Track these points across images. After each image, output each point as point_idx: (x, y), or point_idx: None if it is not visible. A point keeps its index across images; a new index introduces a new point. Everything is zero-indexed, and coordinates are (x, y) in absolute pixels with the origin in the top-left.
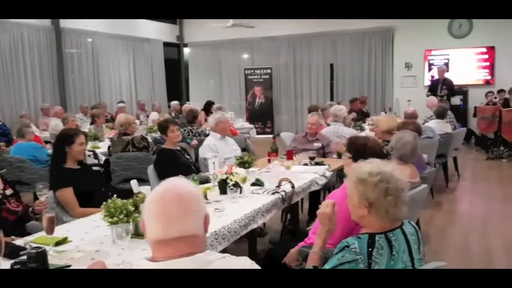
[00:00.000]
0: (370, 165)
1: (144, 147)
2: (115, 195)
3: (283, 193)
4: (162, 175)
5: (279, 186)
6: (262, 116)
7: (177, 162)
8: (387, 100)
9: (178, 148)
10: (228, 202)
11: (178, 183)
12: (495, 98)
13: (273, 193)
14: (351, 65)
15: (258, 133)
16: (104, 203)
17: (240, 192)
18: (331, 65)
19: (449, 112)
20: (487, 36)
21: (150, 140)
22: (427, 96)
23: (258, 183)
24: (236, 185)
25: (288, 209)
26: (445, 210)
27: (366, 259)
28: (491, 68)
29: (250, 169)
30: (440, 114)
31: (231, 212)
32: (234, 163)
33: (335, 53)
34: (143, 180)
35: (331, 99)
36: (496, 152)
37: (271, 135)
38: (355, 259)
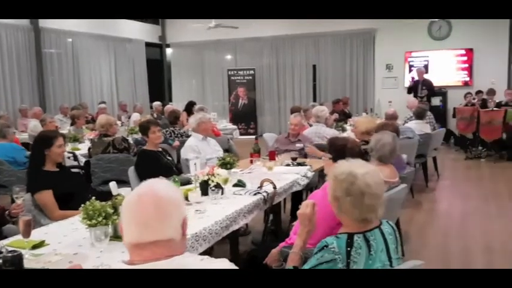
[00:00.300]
0: (348, 164)
1: (125, 149)
2: (94, 197)
3: (265, 194)
4: (142, 177)
5: (260, 187)
6: (245, 117)
7: (158, 164)
8: (369, 101)
9: (160, 149)
10: (210, 203)
11: (156, 185)
12: (473, 99)
13: (255, 194)
14: (333, 66)
15: (241, 134)
16: (83, 205)
17: (222, 194)
18: (314, 66)
19: (429, 113)
20: (465, 39)
21: (131, 141)
22: (408, 93)
23: (240, 184)
24: (218, 186)
25: (270, 210)
26: (424, 209)
27: (345, 258)
28: (470, 70)
29: (232, 170)
30: (419, 115)
31: (212, 213)
32: (215, 164)
33: (317, 54)
34: (124, 182)
35: (314, 100)
36: (474, 152)
37: (254, 136)
38: (333, 259)
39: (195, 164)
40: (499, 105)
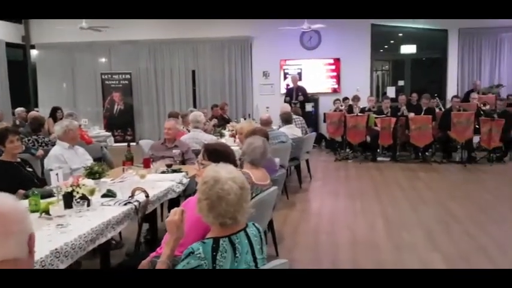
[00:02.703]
0: (216, 169)
1: None
2: None
3: (136, 203)
4: None
5: (132, 196)
6: (122, 123)
7: (15, 176)
8: (248, 107)
9: (19, 160)
10: (74, 216)
11: None
12: (341, 105)
13: (125, 204)
14: (212, 72)
15: (118, 141)
16: None
17: (88, 205)
18: (193, 72)
19: (301, 118)
20: (333, 49)
21: None
22: (285, 102)
23: (109, 194)
24: (83, 197)
25: (145, 219)
26: (298, 209)
27: (211, 263)
28: (338, 78)
29: (102, 180)
30: (286, 120)
31: (76, 227)
32: (82, 174)
33: (196, 59)
34: None
35: (194, 106)
36: (342, 153)
37: (133, 143)
38: (199, 264)
39: (56, 174)
40: (362, 110)
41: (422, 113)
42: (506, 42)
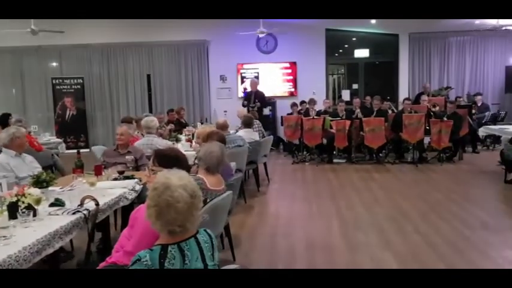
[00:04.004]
0: (167, 176)
1: None
2: None
3: (85, 212)
4: None
5: (81, 204)
6: (74, 129)
7: None
8: (205, 111)
9: None
10: (19, 227)
11: None
12: (300, 109)
13: (74, 213)
14: (168, 76)
15: (70, 148)
16: None
17: (34, 215)
18: (148, 76)
19: (258, 122)
20: (290, 53)
21: None
22: (243, 106)
23: (57, 203)
24: (29, 207)
25: (97, 228)
26: (256, 213)
27: None
28: (294, 82)
29: (50, 188)
30: (247, 123)
31: (20, 239)
32: (28, 182)
33: (151, 63)
34: None
35: (150, 111)
36: (300, 156)
37: (86, 150)
38: None
39: (0, 184)
40: (318, 113)
41: (374, 114)
42: (453, 46)
